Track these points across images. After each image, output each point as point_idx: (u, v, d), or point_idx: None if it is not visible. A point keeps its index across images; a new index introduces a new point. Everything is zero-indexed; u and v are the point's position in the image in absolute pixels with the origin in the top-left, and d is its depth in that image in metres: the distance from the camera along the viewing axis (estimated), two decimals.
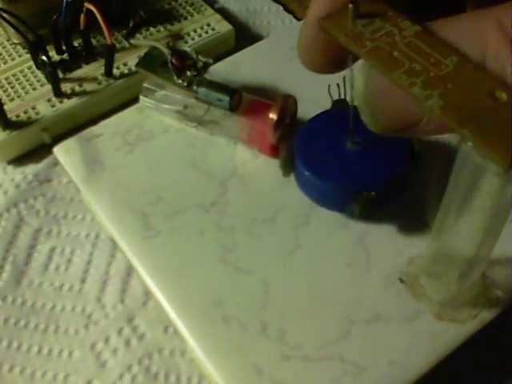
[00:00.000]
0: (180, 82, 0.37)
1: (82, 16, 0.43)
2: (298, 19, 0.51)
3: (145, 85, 0.39)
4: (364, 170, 0.33)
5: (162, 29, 0.48)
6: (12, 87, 0.44)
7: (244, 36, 0.50)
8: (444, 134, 0.23)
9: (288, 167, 0.34)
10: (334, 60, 0.26)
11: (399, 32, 0.26)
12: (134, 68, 0.43)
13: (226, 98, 0.36)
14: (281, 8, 0.52)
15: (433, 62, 0.24)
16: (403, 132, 0.23)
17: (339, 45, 0.27)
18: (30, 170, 0.42)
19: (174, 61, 0.37)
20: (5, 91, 0.44)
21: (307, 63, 0.27)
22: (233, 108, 0.36)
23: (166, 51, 0.38)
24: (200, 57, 0.38)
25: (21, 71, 0.45)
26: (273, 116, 0.35)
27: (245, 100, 0.37)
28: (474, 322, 0.30)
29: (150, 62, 0.38)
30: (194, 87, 0.37)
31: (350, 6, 0.26)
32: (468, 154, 0.23)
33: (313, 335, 0.30)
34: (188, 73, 0.37)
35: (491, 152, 0.22)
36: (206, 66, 0.38)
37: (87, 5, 0.42)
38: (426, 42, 0.25)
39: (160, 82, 0.39)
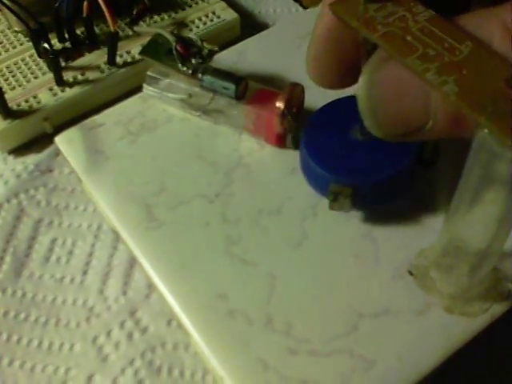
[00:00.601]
0: (185, 69, 0.36)
1: (85, 3, 0.42)
2: (305, 7, 0.50)
3: (148, 73, 0.38)
4: (372, 162, 0.32)
5: (166, 17, 0.47)
6: (13, 76, 0.43)
7: (249, 24, 0.49)
8: (451, 137, 0.23)
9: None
10: (345, 75, 0.25)
11: (412, 17, 0.25)
12: (137, 56, 0.43)
13: (232, 86, 0.35)
14: None
15: (447, 48, 0.24)
16: (407, 137, 0.22)
17: (350, 57, 0.26)
18: (31, 160, 0.41)
19: (178, 48, 0.36)
20: (6, 80, 0.43)
21: (317, 79, 0.26)
22: (238, 96, 0.36)
23: (171, 38, 0.37)
24: (205, 44, 0.37)
25: (22, 59, 0.44)
26: (280, 105, 0.34)
27: (251, 88, 0.36)
28: (485, 316, 0.29)
29: (155, 49, 0.38)
30: (199, 75, 0.36)
31: None
32: (484, 142, 0.22)
33: (320, 329, 0.29)
34: (193, 60, 0.36)
35: (508, 139, 0.21)
36: (212, 53, 0.37)
37: None
38: (440, 27, 0.24)
39: (164, 70, 0.38)
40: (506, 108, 0.21)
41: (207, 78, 0.36)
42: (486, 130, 0.22)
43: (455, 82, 0.22)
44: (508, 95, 0.22)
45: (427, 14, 0.25)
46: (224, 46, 0.43)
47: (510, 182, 0.23)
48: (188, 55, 0.36)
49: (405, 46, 0.24)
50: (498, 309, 0.29)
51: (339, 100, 0.34)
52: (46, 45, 0.41)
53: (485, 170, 0.23)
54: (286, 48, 0.42)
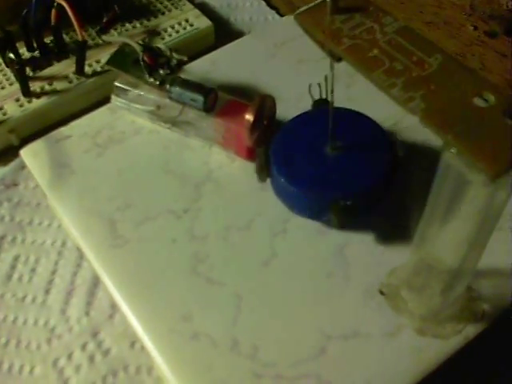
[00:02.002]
0: (152, 80, 0.35)
1: (53, 11, 0.41)
2: (281, 15, 0.49)
3: (116, 84, 0.37)
4: (343, 177, 0.31)
5: (138, 24, 0.46)
6: None
7: (225, 32, 0.48)
8: None
9: (264, 172, 0.32)
10: None
11: (380, 28, 0.24)
12: (107, 66, 0.42)
13: (200, 98, 0.34)
14: (263, 3, 0.50)
15: (415, 61, 0.23)
16: None
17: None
18: None
19: (145, 58, 0.35)
20: None
21: None
22: (207, 109, 0.34)
23: (138, 48, 0.35)
24: (174, 54, 0.36)
25: None
26: (249, 117, 0.33)
27: (221, 100, 0.35)
28: (458, 338, 0.28)
29: (121, 59, 0.36)
30: (167, 86, 0.35)
31: None
32: (451, 162, 0.21)
33: (287, 352, 0.28)
34: (161, 71, 0.35)
35: (476, 160, 0.20)
36: (180, 63, 0.36)
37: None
38: (409, 39, 0.24)
39: (132, 80, 0.37)
40: (475, 126, 0.20)
41: (175, 90, 0.35)
42: (453, 150, 0.21)
43: (422, 97, 0.21)
44: (478, 112, 0.21)
45: (396, 25, 0.24)
46: (198, 55, 0.42)
47: (480, 201, 0.22)
48: (155, 65, 0.35)
49: (371, 60, 0.23)
50: (471, 330, 0.28)
51: (308, 113, 0.33)
52: (11, 54, 0.40)
53: (454, 189, 0.22)
54: (261, 57, 0.41)
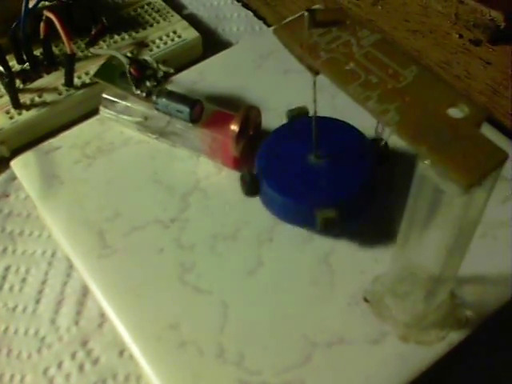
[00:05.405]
0: (139, 92, 0.36)
1: (42, 24, 0.42)
2: (269, 25, 0.50)
3: (104, 95, 0.38)
4: (327, 185, 0.31)
5: (126, 36, 0.46)
6: None
7: (213, 43, 0.48)
8: None
9: (253, 192, 0.33)
10: None
11: (357, 41, 0.24)
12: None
13: (186, 110, 0.35)
14: (251, 14, 0.51)
15: (391, 74, 0.23)
16: None
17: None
18: None
19: (132, 70, 0.36)
20: None
21: None
22: (193, 119, 0.35)
23: (125, 60, 0.36)
24: (161, 66, 0.37)
25: None
26: (234, 127, 0.34)
27: (207, 111, 0.36)
28: (442, 344, 0.29)
29: (108, 71, 0.37)
30: (154, 98, 0.35)
31: (306, 14, 0.25)
32: (426, 173, 0.22)
33: (272, 360, 0.29)
34: (148, 83, 0.36)
35: (450, 170, 0.20)
36: (167, 75, 0.36)
37: (46, 13, 0.40)
38: (385, 52, 0.24)
39: (120, 92, 0.37)
40: (449, 137, 0.21)
41: (162, 101, 0.35)
42: (426, 161, 0.21)
43: (397, 110, 0.22)
44: (452, 123, 0.21)
45: (372, 38, 0.25)
46: (186, 65, 0.42)
47: (457, 211, 0.23)
48: (142, 78, 0.36)
49: (347, 74, 0.23)
50: (455, 337, 0.29)
51: (292, 123, 0.34)
52: (1, 67, 0.40)
53: (430, 199, 0.23)
54: (247, 68, 0.41)
